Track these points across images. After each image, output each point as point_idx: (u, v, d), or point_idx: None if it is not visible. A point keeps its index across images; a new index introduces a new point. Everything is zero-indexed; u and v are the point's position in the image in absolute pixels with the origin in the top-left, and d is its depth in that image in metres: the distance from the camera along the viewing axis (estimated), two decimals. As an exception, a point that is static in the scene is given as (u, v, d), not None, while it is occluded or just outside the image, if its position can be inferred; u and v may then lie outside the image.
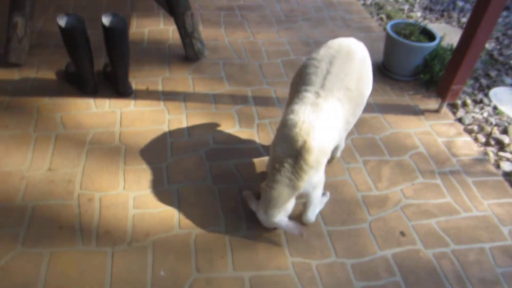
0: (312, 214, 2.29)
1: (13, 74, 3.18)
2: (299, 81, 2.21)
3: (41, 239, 2.15)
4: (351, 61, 2.18)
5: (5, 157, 2.55)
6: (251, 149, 2.72)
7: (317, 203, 2.30)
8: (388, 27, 3.35)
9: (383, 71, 3.48)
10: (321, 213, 2.36)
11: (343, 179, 2.59)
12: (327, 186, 2.50)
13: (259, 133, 2.84)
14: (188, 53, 3.39)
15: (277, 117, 2.96)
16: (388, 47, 3.40)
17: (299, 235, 2.13)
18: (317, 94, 2.10)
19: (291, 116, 2.07)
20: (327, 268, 2.14)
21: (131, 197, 2.38)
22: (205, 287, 2.01)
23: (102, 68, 3.19)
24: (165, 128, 2.81)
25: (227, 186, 2.48)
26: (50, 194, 2.36)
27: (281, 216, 2.14)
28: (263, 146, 2.74)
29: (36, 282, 1.98)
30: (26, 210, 2.27)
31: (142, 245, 2.17)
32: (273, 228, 2.25)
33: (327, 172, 2.56)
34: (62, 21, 2.71)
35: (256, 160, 2.65)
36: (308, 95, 2.11)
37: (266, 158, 2.66)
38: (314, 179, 2.11)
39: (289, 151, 2.02)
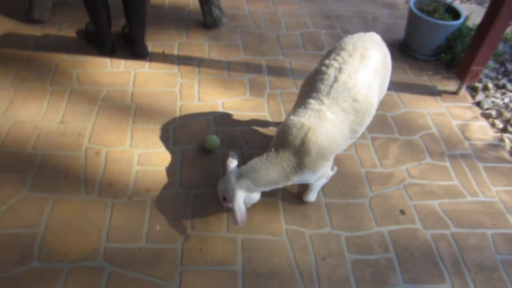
0: (313, 195, 2.29)
1: (36, 30, 3.29)
2: (308, 86, 2.13)
3: (47, 186, 2.25)
4: (363, 69, 2.05)
5: (21, 107, 2.65)
6: (259, 117, 2.73)
7: (319, 187, 2.28)
8: (412, 3, 3.24)
9: (404, 49, 3.40)
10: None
11: (348, 153, 2.57)
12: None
13: (268, 103, 2.84)
14: (207, 20, 3.40)
15: (289, 88, 2.95)
16: (410, 24, 3.30)
17: (237, 223, 1.97)
18: (321, 102, 2.01)
19: (293, 117, 2.03)
20: (321, 238, 2.15)
21: (136, 154, 2.44)
22: (198, 244, 2.07)
23: (121, 29, 3.24)
24: (176, 91, 2.85)
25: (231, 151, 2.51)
26: (60, 145, 2.45)
27: (243, 195, 2.01)
28: (272, 116, 2.75)
29: (38, 224, 2.09)
30: (35, 158, 2.37)
31: (142, 199, 2.23)
32: (226, 208, 2.13)
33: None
34: (82, -21, 2.76)
35: (262, 129, 2.66)
36: (313, 102, 2.03)
37: (274, 128, 2.67)
38: (309, 178, 2.07)
39: (288, 147, 1.99)
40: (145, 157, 2.44)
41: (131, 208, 2.19)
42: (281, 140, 2.01)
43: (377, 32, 2.31)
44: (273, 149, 2.03)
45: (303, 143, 1.94)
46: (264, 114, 2.75)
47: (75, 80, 2.86)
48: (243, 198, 2.02)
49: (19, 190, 2.22)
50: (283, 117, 2.74)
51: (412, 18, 3.25)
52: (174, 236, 2.10)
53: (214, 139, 2.48)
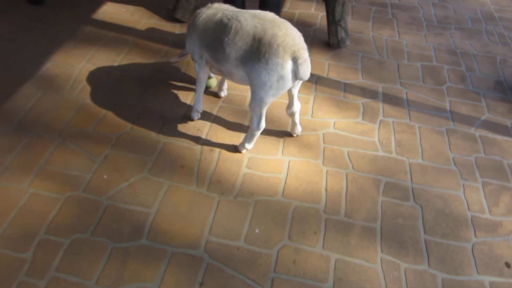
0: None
1: (175, 28, 3.61)
2: None
3: (164, 171, 2.45)
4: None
5: (152, 96, 2.92)
6: (368, 142, 2.74)
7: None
8: (550, 50, 3.06)
9: (532, 97, 3.20)
10: (423, 220, 2.32)
11: (455, 193, 2.49)
12: (436, 196, 2.45)
13: (379, 129, 2.83)
14: (331, 40, 3.48)
15: (402, 119, 2.93)
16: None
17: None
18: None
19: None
20: (416, 274, 2.11)
21: (246, 157, 2.57)
22: (293, 255, 2.13)
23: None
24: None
25: (336, 170, 2.55)
26: (180, 136, 2.66)
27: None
28: (381, 143, 2.74)
29: (152, 205, 2.28)
30: (158, 144, 2.60)
31: (245, 201, 2.35)
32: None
33: (439, 182, 2.54)
34: (224, -12, 2.99)
35: (370, 154, 2.66)
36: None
37: (381, 154, 2.67)
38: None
39: None
40: (254, 161, 2.56)
41: (235, 207, 2.32)
42: None
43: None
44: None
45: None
46: (373, 140, 2.76)
47: (202, 79, 3.09)
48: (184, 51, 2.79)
49: (140, 170, 2.44)
50: (392, 146, 2.72)
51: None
52: (271, 242, 2.17)
53: (211, 80, 2.97)
